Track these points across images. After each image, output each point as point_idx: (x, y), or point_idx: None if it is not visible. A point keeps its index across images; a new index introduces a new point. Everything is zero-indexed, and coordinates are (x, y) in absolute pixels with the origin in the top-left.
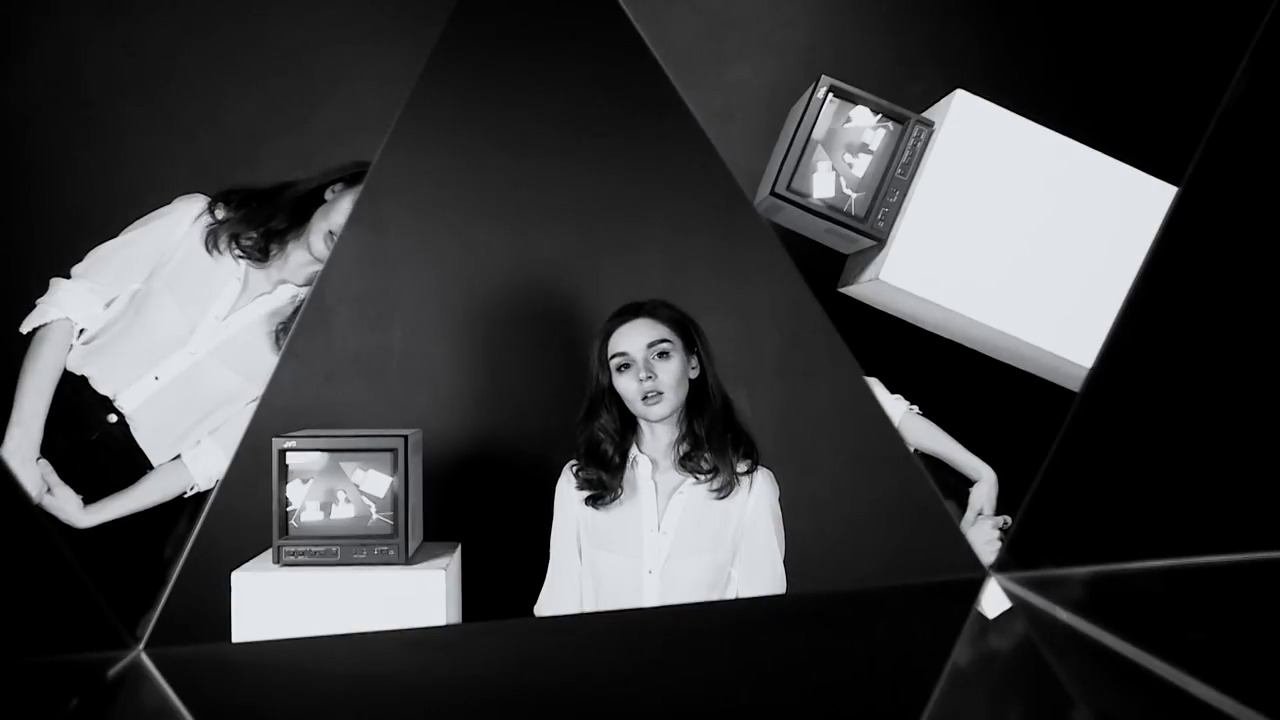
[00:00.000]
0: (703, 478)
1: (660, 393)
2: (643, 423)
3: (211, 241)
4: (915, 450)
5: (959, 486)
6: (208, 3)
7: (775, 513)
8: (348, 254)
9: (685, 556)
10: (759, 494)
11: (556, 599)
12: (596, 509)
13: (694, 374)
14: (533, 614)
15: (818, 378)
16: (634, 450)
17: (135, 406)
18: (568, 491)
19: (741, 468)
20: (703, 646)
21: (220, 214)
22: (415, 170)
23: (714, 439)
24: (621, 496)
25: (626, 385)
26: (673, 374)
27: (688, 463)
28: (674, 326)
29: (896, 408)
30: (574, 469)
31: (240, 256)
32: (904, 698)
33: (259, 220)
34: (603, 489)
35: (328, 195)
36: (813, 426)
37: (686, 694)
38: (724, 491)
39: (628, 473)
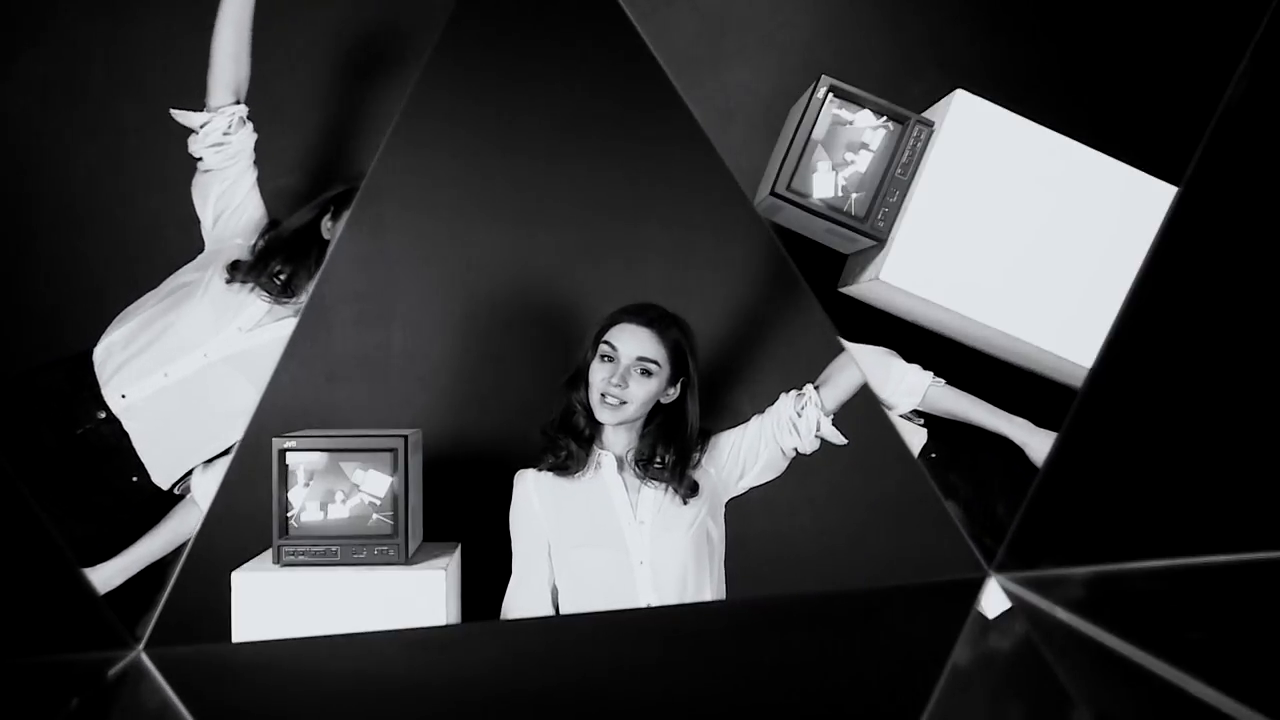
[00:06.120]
0: (659, 478)
1: (624, 403)
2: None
3: (231, 277)
4: (927, 447)
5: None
6: (208, 2)
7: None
8: (347, 254)
9: (667, 536)
10: (720, 446)
11: (522, 602)
12: (561, 480)
13: (666, 400)
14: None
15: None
16: (597, 448)
17: (140, 399)
18: (527, 494)
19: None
20: (702, 646)
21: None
22: (415, 170)
23: (679, 464)
24: (587, 479)
25: (597, 376)
26: (643, 393)
27: (643, 469)
28: (672, 351)
29: (920, 378)
30: (542, 464)
31: (265, 295)
32: (904, 698)
33: (263, 268)
34: (570, 459)
35: (324, 231)
36: None
37: (686, 694)
38: (686, 498)
39: (592, 468)
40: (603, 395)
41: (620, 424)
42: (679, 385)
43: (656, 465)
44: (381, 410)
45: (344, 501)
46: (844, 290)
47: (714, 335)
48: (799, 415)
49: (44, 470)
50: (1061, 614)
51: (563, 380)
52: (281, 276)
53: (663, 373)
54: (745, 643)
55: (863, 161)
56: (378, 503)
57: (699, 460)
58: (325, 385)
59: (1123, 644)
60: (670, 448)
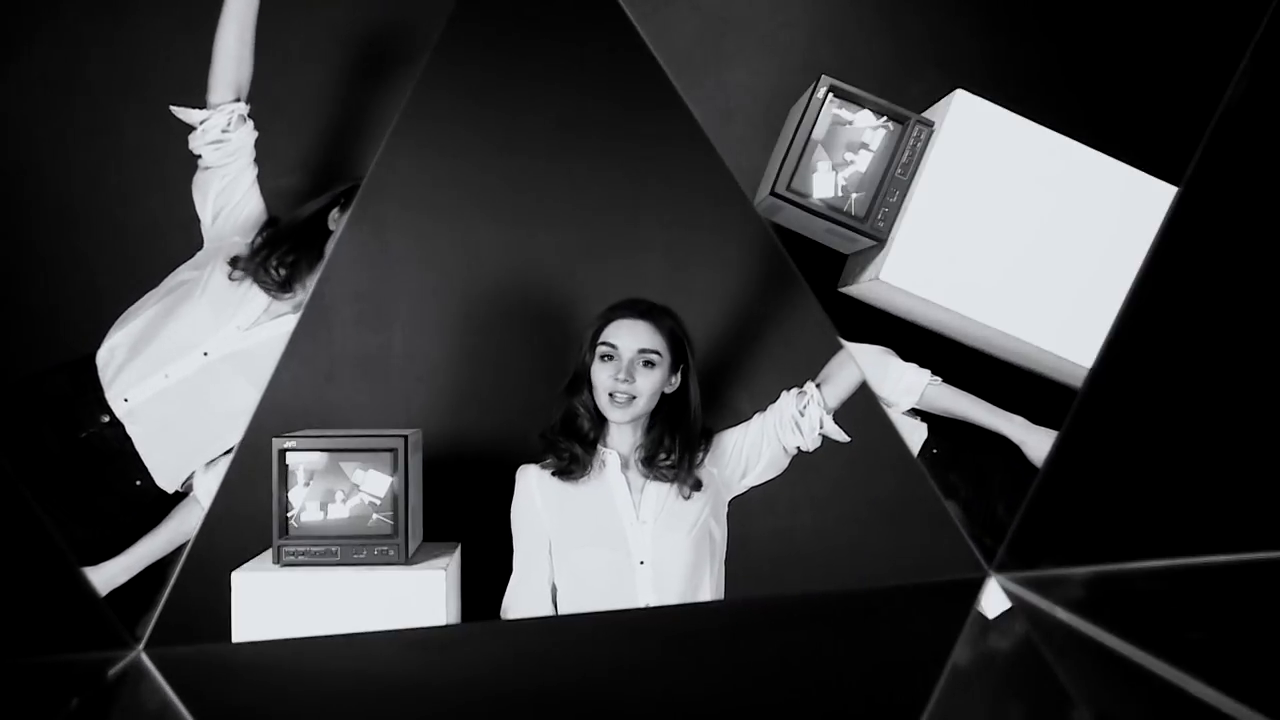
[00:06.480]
0: (664, 477)
1: (633, 398)
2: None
3: (233, 269)
4: (928, 443)
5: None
6: (208, 1)
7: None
8: (348, 254)
9: (669, 536)
10: (723, 445)
11: (523, 600)
12: (564, 482)
13: (669, 389)
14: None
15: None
16: (601, 446)
17: (142, 401)
18: (529, 490)
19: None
20: (702, 646)
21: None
22: (415, 170)
23: (686, 453)
24: (590, 478)
25: (601, 376)
26: (650, 385)
27: (649, 466)
28: (670, 339)
29: (919, 377)
30: (545, 464)
31: (264, 289)
32: (904, 698)
33: (265, 257)
34: (574, 463)
35: (331, 223)
36: None
37: (686, 694)
38: (689, 493)
39: (597, 468)
40: (611, 394)
41: (632, 419)
42: (680, 373)
43: (662, 461)
44: (381, 410)
45: (344, 501)
46: (844, 290)
47: (714, 334)
48: (801, 414)
49: (47, 474)
50: (1061, 614)
51: (562, 386)
52: (281, 271)
53: (665, 362)
54: (745, 643)
55: (863, 161)
56: (378, 503)
57: (702, 460)
58: (325, 385)
59: (1123, 644)
60: (676, 437)
